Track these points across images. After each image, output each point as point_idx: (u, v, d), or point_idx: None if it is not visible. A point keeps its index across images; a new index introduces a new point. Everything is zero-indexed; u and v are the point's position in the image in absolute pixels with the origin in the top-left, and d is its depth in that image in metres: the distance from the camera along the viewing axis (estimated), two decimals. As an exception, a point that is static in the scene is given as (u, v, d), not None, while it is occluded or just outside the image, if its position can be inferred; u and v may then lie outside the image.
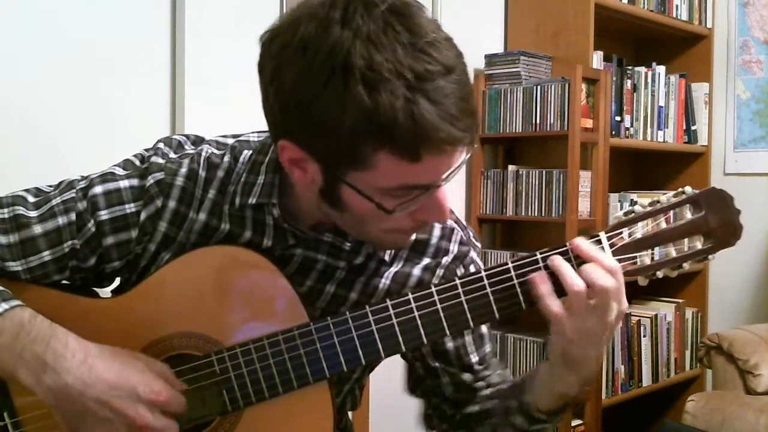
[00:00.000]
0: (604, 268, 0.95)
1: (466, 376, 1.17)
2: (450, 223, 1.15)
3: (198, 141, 1.12)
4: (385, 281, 1.12)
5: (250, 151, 1.08)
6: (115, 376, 0.96)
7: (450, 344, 1.15)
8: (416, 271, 1.13)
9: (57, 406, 0.96)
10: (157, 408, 0.97)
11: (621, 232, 0.98)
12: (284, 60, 0.89)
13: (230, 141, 1.11)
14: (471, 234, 1.18)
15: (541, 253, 0.98)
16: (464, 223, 1.18)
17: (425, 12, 0.91)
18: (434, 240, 1.14)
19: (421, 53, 0.86)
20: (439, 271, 1.14)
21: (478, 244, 1.20)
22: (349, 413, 1.30)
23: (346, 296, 1.11)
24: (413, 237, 1.06)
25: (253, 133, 1.12)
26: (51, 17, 1.95)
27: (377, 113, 0.84)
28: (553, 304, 0.97)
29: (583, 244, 0.97)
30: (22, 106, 1.91)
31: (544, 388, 1.07)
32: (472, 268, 1.16)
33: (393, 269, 1.12)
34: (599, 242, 0.98)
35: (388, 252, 1.11)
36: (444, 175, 0.92)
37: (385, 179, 0.90)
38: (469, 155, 0.94)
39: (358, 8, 0.86)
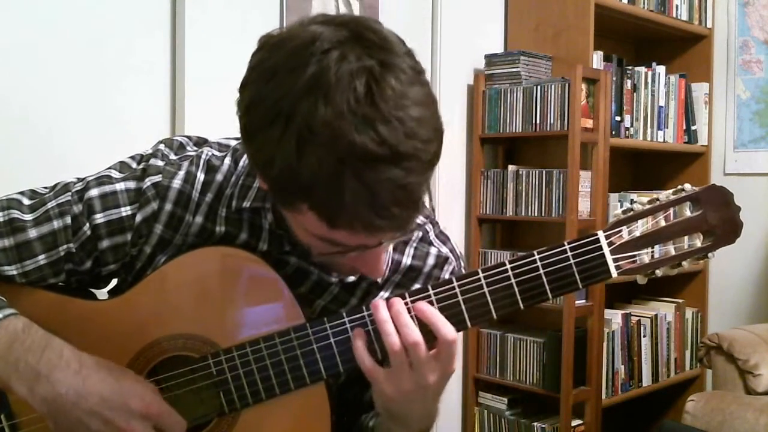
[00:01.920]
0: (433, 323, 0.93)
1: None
2: (445, 251, 1.13)
3: (200, 142, 1.12)
4: None
5: None
6: (108, 388, 0.97)
7: None
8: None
9: (50, 416, 0.97)
10: (150, 422, 0.97)
11: (620, 231, 0.98)
12: (252, 78, 0.88)
13: (233, 143, 1.10)
14: (462, 265, 1.16)
15: (538, 253, 0.98)
16: (459, 252, 1.16)
17: (415, 83, 0.85)
18: (427, 268, 1.12)
19: (369, 128, 0.80)
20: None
21: None
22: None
23: (337, 312, 1.10)
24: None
25: None
26: (51, 17, 1.95)
27: (300, 173, 0.82)
28: (366, 361, 0.95)
29: (394, 305, 0.95)
30: (21, 106, 1.91)
31: None
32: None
33: (385, 295, 1.10)
34: (597, 241, 0.97)
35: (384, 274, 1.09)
36: (379, 241, 0.90)
37: (312, 227, 0.89)
38: (406, 233, 0.90)
39: (334, 56, 0.82)
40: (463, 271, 1.16)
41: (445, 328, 0.94)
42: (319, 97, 0.80)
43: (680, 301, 3.37)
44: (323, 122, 0.80)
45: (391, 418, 1.01)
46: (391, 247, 1.08)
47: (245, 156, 1.07)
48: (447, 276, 1.12)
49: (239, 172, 1.06)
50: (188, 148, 1.10)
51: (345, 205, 0.82)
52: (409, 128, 0.82)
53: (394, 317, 0.94)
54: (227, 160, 1.07)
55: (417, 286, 1.11)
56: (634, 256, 0.98)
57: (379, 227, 0.85)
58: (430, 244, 1.12)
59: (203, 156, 1.07)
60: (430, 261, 1.12)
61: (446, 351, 0.95)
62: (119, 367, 1.01)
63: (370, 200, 0.82)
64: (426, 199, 0.88)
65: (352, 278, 1.09)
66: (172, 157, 1.08)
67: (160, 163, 1.07)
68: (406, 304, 0.97)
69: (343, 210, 0.83)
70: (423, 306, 0.96)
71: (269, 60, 0.86)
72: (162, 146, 1.09)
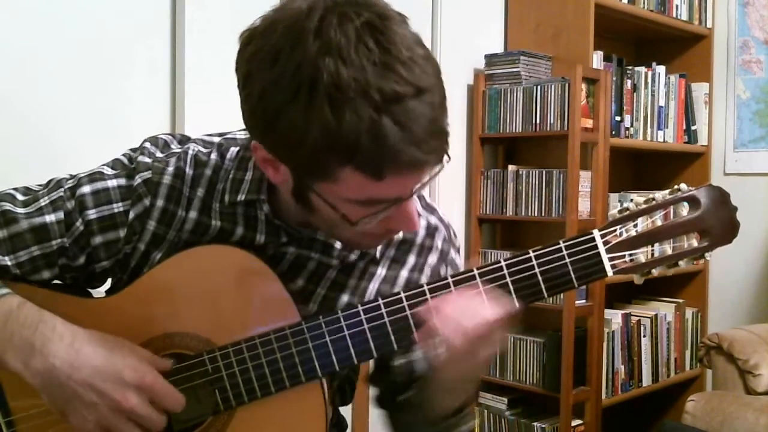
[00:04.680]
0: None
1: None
2: (434, 221, 1.16)
3: (184, 140, 1.12)
4: (374, 285, 1.12)
5: (237, 148, 1.08)
6: (102, 359, 0.97)
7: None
8: (404, 272, 1.13)
9: (44, 389, 0.97)
10: (145, 394, 0.98)
11: (615, 230, 0.98)
12: (254, 68, 0.89)
13: (216, 139, 1.11)
14: (452, 232, 1.18)
15: (534, 252, 0.98)
16: (447, 221, 1.18)
17: (407, 26, 0.89)
18: (419, 239, 1.14)
19: (391, 72, 0.84)
20: (427, 270, 1.14)
21: (458, 243, 1.20)
22: (348, 411, 1.29)
23: (337, 298, 1.10)
24: (400, 235, 1.06)
25: (240, 130, 1.11)
26: (51, 17, 1.95)
27: (340, 132, 0.83)
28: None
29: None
30: (22, 106, 1.91)
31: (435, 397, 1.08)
32: (450, 270, 1.16)
33: (382, 271, 1.12)
34: (592, 240, 0.97)
35: (379, 250, 1.11)
36: (412, 190, 0.92)
37: (351, 192, 0.90)
38: (440, 169, 0.92)
39: (332, 20, 0.85)
40: (454, 237, 1.18)
41: (485, 310, 0.94)
42: (336, 58, 0.83)
43: (680, 301, 3.37)
44: (348, 79, 0.83)
45: (445, 389, 1.03)
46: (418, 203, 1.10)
47: (231, 150, 1.08)
48: (439, 243, 1.15)
49: (227, 166, 1.07)
50: (173, 145, 1.11)
51: (390, 148, 0.84)
52: (421, 66, 0.87)
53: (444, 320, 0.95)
54: (213, 156, 1.08)
55: (411, 258, 1.13)
56: (630, 255, 0.98)
57: (424, 162, 0.88)
58: (418, 216, 1.12)
59: (190, 152, 1.08)
60: (421, 232, 1.14)
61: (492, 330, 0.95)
62: (114, 338, 1.01)
63: (410, 137, 0.85)
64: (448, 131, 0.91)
65: (353, 257, 1.10)
66: (159, 154, 1.08)
67: (148, 160, 1.07)
68: (403, 308, 0.98)
69: (390, 154, 0.85)
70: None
71: (266, 45, 0.87)
72: (147, 144, 1.10)
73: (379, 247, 1.11)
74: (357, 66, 0.83)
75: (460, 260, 1.18)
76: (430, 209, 1.16)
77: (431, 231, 1.15)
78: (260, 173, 1.04)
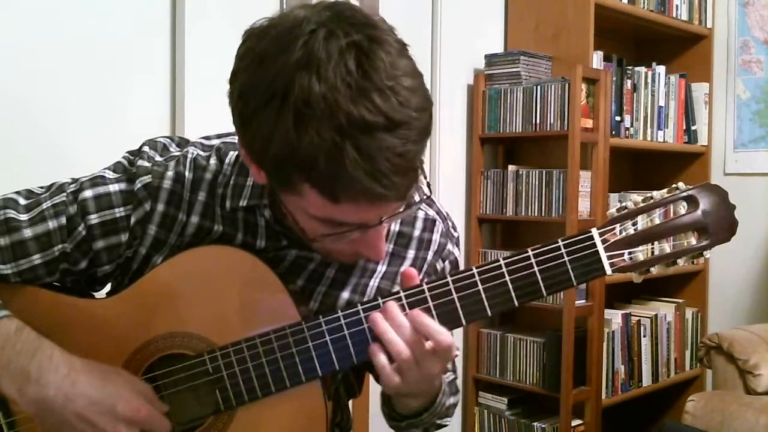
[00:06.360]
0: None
1: None
2: (432, 214, 1.16)
3: (183, 143, 1.12)
4: (375, 281, 1.12)
5: (236, 152, 1.08)
6: (96, 391, 0.98)
7: None
8: (404, 268, 1.12)
9: (38, 417, 0.98)
10: (137, 426, 0.98)
11: (614, 228, 0.98)
12: (242, 67, 0.89)
13: (215, 142, 1.11)
14: (451, 224, 1.18)
15: (533, 250, 0.98)
16: (445, 213, 1.18)
17: (401, 54, 0.87)
18: (417, 232, 1.14)
19: (364, 98, 0.82)
20: (425, 267, 1.14)
21: (456, 234, 1.20)
22: (350, 409, 1.29)
23: (338, 296, 1.11)
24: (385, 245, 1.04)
25: None
26: (51, 17, 1.95)
27: (300, 148, 0.83)
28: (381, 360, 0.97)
29: (391, 315, 0.96)
30: (22, 106, 1.92)
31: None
32: (447, 264, 1.17)
33: (382, 268, 1.12)
34: (591, 238, 0.98)
35: None
36: (379, 218, 0.91)
37: (312, 208, 0.90)
38: (416, 206, 0.92)
39: (321, 35, 0.83)
40: (452, 230, 1.18)
41: (440, 335, 0.95)
42: (313, 74, 0.82)
43: (680, 301, 3.37)
44: (319, 96, 0.81)
45: (400, 396, 1.04)
46: (396, 225, 1.10)
47: (230, 154, 1.08)
48: (437, 237, 1.14)
49: (226, 170, 1.07)
50: (171, 149, 1.11)
51: (346, 176, 0.83)
52: (402, 97, 0.84)
53: (396, 328, 0.95)
54: (212, 160, 1.08)
55: (410, 252, 1.13)
56: (629, 253, 0.98)
57: (381, 196, 0.86)
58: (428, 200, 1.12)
59: (189, 156, 1.08)
60: (419, 225, 1.14)
61: (443, 352, 0.96)
62: (112, 369, 1.02)
63: (371, 169, 0.83)
64: (420, 171, 0.89)
65: None
66: (158, 158, 1.08)
67: (147, 164, 1.07)
68: (402, 307, 0.98)
69: (345, 181, 0.83)
70: (418, 317, 0.95)
71: (256, 47, 0.88)
72: (146, 148, 1.10)
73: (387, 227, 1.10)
74: (330, 85, 0.81)
75: (458, 252, 1.19)
76: (428, 201, 1.15)
77: (429, 225, 1.15)
78: None
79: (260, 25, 0.91)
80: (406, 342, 0.94)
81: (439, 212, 1.16)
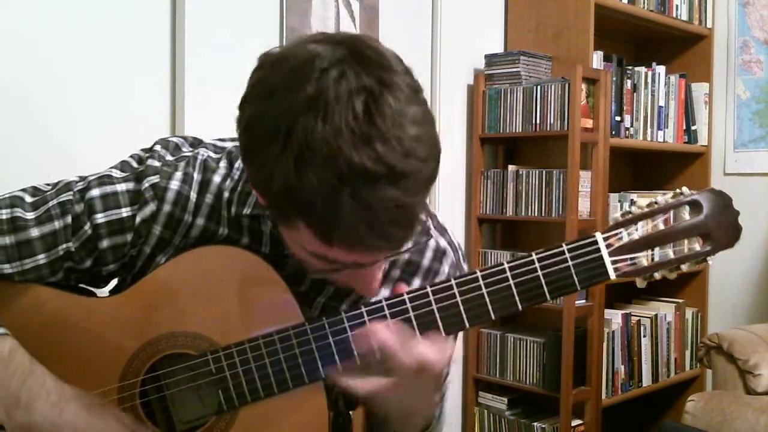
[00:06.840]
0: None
1: None
2: (443, 243, 1.13)
3: (196, 143, 1.12)
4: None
5: None
6: (83, 422, 0.98)
7: None
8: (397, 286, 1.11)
9: None
10: None
11: (618, 233, 0.98)
12: (252, 95, 0.88)
13: (228, 145, 1.10)
14: (461, 257, 1.16)
15: (537, 254, 0.98)
16: (457, 243, 1.16)
17: (412, 101, 0.84)
18: (426, 262, 1.11)
19: (367, 146, 0.80)
20: None
21: (465, 268, 1.17)
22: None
23: (338, 308, 1.10)
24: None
25: None
26: (51, 17, 1.95)
27: (299, 189, 0.81)
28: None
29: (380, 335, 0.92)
30: (22, 106, 1.92)
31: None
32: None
33: (384, 291, 1.09)
34: (595, 243, 0.97)
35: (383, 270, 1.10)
36: (374, 260, 0.90)
37: (307, 244, 0.89)
38: (406, 251, 0.90)
39: (332, 75, 0.82)
40: (462, 262, 1.16)
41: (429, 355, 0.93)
42: (318, 116, 0.80)
43: (680, 301, 3.37)
44: (322, 140, 0.80)
45: (390, 413, 1.02)
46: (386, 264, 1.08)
47: (240, 158, 1.07)
48: (446, 269, 1.12)
49: (235, 174, 1.07)
50: (184, 149, 1.10)
51: (342, 223, 0.82)
52: (407, 147, 0.82)
53: (384, 348, 0.93)
54: (223, 163, 1.08)
55: (416, 280, 1.11)
56: (633, 258, 0.98)
57: (376, 246, 0.85)
58: (428, 236, 1.11)
59: (199, 157, 1.08)
60: (428, 254, 1.12)
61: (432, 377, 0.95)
62: (100, 401, 1.02)
63: (368, 219, 0.81)
64: (422, 217, 0.88)
65: None
66: (168, 158, 1.08)
67: (157, 163, 1.07)
68: (405, 311, 0.97)
69: (340, 228, 0.82)
70: (415, 349, 0.93)
71: (268, 78, 0.86)
72: (158, 147, 1.10)
73: (384, 266, 1.10)
74: (335, 128, 0.79)
75: None
76: (441, 230, 1.13)
77: (438, 255, 1.12)
78: None
79: (276, 53, 0.89)
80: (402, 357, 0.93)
81: (450, 243, 1.13)
